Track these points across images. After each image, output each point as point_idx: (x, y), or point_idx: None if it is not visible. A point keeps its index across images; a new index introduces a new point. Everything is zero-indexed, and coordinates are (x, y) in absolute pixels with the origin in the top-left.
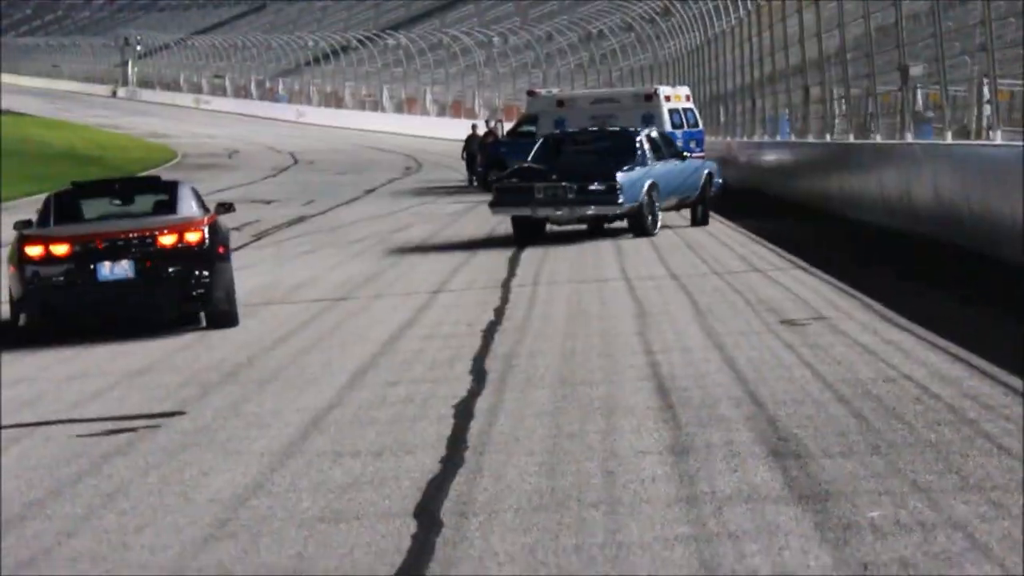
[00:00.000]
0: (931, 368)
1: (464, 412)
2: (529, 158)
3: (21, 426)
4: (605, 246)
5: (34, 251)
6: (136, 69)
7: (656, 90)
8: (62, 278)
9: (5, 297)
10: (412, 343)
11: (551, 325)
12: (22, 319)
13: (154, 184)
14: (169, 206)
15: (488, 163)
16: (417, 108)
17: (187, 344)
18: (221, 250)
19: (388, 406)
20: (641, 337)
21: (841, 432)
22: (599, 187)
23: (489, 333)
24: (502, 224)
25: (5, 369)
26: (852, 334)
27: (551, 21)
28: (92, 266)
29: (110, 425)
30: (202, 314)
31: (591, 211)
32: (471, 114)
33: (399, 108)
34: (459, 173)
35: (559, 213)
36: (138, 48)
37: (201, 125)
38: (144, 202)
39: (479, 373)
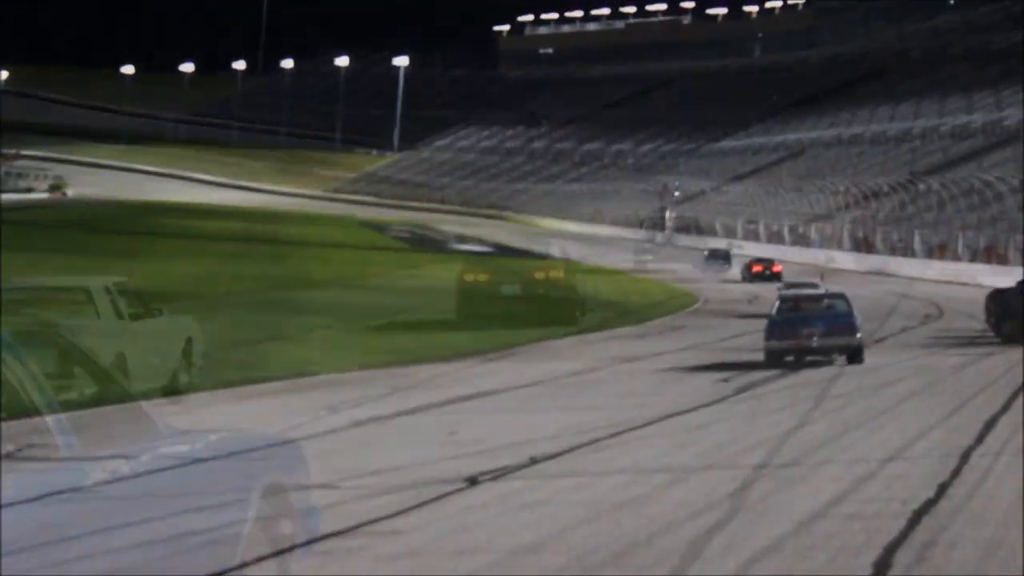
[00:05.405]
0: None
1: None
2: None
3: None
4: None
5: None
6: (673, 214)
7: None
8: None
9: None
10: (830, 524)
11: (992, 507)
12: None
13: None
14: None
15: (1002, 311)
16: (948, 253)
17: (574, 523)
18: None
19: None
20: None
21: None
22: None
23: (919, 515)
24: (1012, 380)
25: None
26: None
27: None
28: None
29: None
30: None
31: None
32: (1004, 259)
33: (930, 253)
34: (980, 323)
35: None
36: (676, 194)
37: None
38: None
39: (881, 566)
